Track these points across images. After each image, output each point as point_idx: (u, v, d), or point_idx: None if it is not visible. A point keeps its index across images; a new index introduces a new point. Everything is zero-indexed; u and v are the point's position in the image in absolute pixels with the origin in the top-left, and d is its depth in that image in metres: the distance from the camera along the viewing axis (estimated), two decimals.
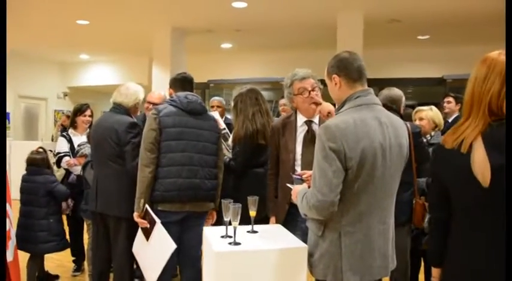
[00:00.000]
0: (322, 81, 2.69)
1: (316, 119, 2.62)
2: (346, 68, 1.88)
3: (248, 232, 2.10)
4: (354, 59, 1.90)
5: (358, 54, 1.99)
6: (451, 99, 4.87)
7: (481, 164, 1.48)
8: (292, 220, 2.58)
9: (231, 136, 3.31)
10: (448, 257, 1.62)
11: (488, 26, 6.07)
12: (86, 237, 3.87)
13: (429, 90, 7.43)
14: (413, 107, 5.22)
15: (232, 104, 3.30)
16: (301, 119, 2.65)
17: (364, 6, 5.64)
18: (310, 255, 1.90)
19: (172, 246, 2.52)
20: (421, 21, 6.09)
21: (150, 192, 2.65)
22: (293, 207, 2.56)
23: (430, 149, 3.22)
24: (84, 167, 3.45)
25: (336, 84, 1.90)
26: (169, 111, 2.73)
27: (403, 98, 3.10)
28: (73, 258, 4.14)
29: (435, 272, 1.71)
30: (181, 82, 2.93)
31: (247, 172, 3.10)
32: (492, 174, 1.46)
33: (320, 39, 6.85)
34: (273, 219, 2.72)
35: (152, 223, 2.60)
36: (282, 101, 5.44)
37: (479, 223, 1.54)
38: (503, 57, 1.50)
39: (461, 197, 1.58)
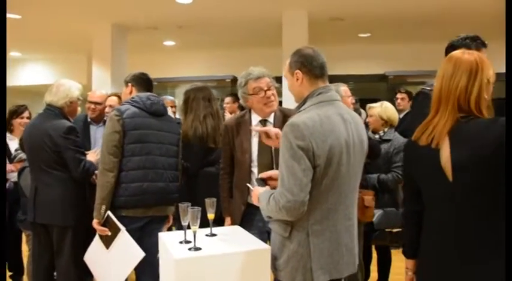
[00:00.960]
0: (276, 79, 2.67)
1: (271, 119, 2.58)
2: (310, 64, 1.85)
3: (207, 235, 2.02)
4: (317, 55, 1.88)
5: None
6: (404, 95, 4.92)
7: (448, 159, 1.54)
8: (248, 220, 2.53)
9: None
10: (420, 249, 1.69)
11: (426, 25, 6.36)
12: (24, 249, 3.61)
13: (372, 86, 7.67)
14: (356, 101, 5.34)
15: (182, 99, 3.21)
16: (255, 118, 2.60)
17: (308, 5, 5.70)
18: (276, 258, 1.84)
19: (140, 254, 2.42)
20: (362, 20, 6.25)
21: (111, 197, 2.51)
22: (249, 206, 2.53)
23: (383, 146, 3.32)
24: (19, 173, 3.21)
25: (297, 79, 1.87)
26: (133, 113, 2.60)
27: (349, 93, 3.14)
28: (10, 273, 3.82)
29: (409, 263, 1.77)
30: (146, 82, 2.80)
31: (198, 172, 3.03)
32: (453, 169, 1.53)
33: (266, 37, 6.85)
34: (228, 220, 2.66)
35: (114, 231, 2.47)
36: (227, 100, 5.39)
37: (446, 216, 1.59)
38: (467, 56, 1.60)
39: (431, 191, 1.64)
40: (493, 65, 1.62)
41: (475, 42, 2.44)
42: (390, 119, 3.43)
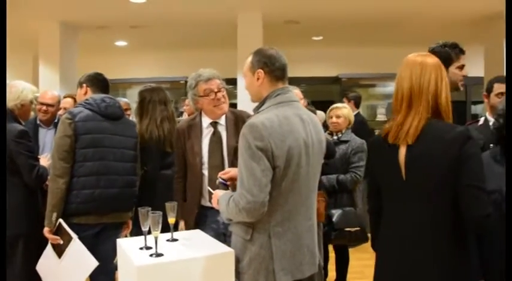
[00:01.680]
0: (227, 81, 2.65)
1: (222, 121, 2.56)
2: (273, 65, 1.85)
3: (168, 240, 1.97)
4: (280, 56, 1.89)
5: None
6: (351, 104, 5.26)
7: (404, 158, 1.60)
8: (202, 222, 2.51)
9: None
10: (378, 244, 1.77)
11: (377, 29, 6.55)
12: None
13: (325, 89, 7.80)
14: (309, 104, 5.43)
15: (136, 100, 3.14)
16: (206, 120, 2.58)
17: (263, 7, 5.72)
18: (237, 261, 1.82)
19: (93, 263, 2.32)
20: (316, 23, 6.35)
21: (63, 205, 2.40)
22: (202, 209, 2.52)
23: (341, 147, 3.38)
24: None
25: (258, 79, 1.87)
26: (86, 116, 2.49)
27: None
28: None
29: None
30: (102, 83, 2.69)
31: (157, 175, 2.98)
32: (406, 168, 1.60)
33: (220, 39, 6.82)
34: (182, 223, 2.62)
35: (67, 239, 2.36)
36: (187, 102, 5.31)
37: (396, 214, 1.65)
38: (429, 58, 1.68)
39: (387, 188, 1.69)
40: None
41: (454, 50, 2.55)
42: (351, 120, 3.54)
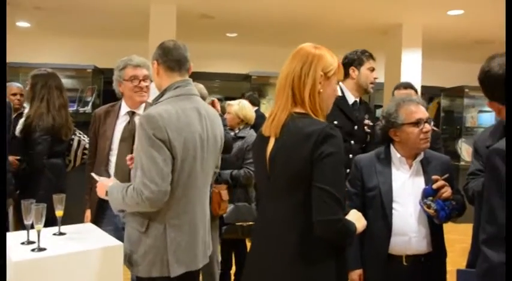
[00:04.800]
0: None
1: (140, 111, 2.55)
2: (166, 56, 1.89)
3: (55, 234, 1.91)
4: (177, 48, 1.91)
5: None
6: None
7: (270, 152, 1.55)
8: (102, 215, 2.48)
9: (22, 122, 3.00)
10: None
11: (289, 30, 6.77)
12: None
13: (236, 85, 7.90)
14: (220, 100, 5.50)
15: (28, 84, 2.99)
16: (125, 109, 2.57)
17: (178, 0, 5.66)
18: (132, 253, 1.83)
19: None
20: (231, 19, 6.41)
21: None
22: (105, 200, 2.46)
23: (237, 143, 3.46)
24: None
25: (155, 70, 1.91)
26: None
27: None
28: None
29: None
30: None
31: (41, 163, 2.88)
32: (269, 163, 1.54)
33: (132, 29, 6.61)
34: (88, 212, 2.57)
35: None
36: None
37: (262, 209, 1.65)
38: (309, 47, 1.56)
39: (259, 182, 1.70)
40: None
41: (364, 55, 2.82)
42: (246, 117, 3.58)
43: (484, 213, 1.28)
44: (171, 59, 1.89)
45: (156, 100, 1.90)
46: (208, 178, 1.97)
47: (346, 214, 1.56)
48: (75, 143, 3.11)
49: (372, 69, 2.82)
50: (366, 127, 2.87)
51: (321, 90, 1.51)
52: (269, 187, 1.56)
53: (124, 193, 1.75)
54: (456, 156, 7.32)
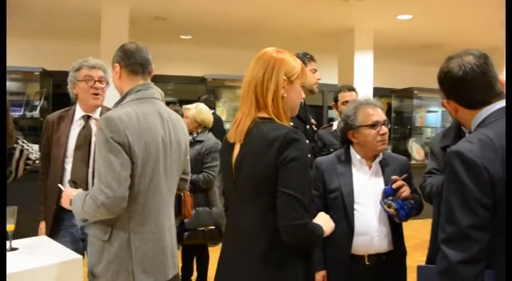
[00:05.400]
0: None
1: (96, 115, 2.47)
2: (129, 60, 1.84)
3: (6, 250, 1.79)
4: (139, 51, 1.87)
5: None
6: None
7: (235, 158, 1.54)
8: (60, 226, 2.37)
9: None
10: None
11: (243, 33, 6.79)
12: None
13: (191, 88, 7.82)
14: (174, 103, 5.42)
15: None
16: (79, 113, 2.48)
17: (129, 0, 5.53)
18: (95, 264, 1.74)
19: None
20: (185, 21, 6.35)
21: None
22: (61, 210, 2.33)
23: (195, 147, 3.42)
24: None
25: (117, 73, 1.86)
26: None
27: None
28: None
29: None
30: None
31: None
32: (235, 169, 1.53)
33: (83, 30, 6.39)
34: (42, 224, 2.45)
35: None
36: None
37: (230, 215, 1.63)
38: (271, 52, 1.54)
39: (226, 188, 1.66)
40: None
41: (306, 57, 2.91)
42: (204, 121, 3.55)
43: (444, 213, 1.32)
44: (134, 62, 1.85)
45: (117, 104, 1.85)
46: (173, 183, 1.92)
47: (314, 216, 1.57)
48: (17, 153, 2.91)
49: (314, 71, 2.94)
50: (313, 126, 3.02)
51: (285, 94, 1.51)
52: (236, 194, 1.55)
53: (83, 200, 1.69)
54: (407, 155, 7.59)
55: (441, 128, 8.40)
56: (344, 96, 3.38)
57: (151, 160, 1.74)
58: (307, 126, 2.89)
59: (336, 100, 3.47)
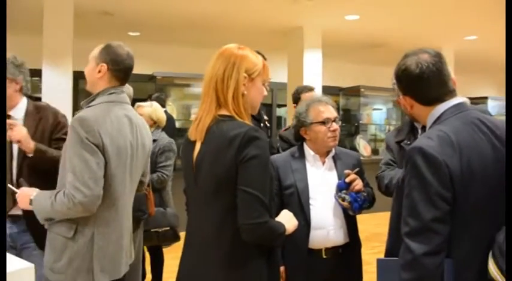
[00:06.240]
0: (31, 72, 2.37)
1: (17, 114, 2.26)
2: (118, 66, 1.85)
3: None
4: (129, 59, 1.90)
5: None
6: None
7: (196, 156, 1.53)
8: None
9: None
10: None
11: (193, 30, 6.72)
12: None
13: (141, 86, 7.63)
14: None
15: None
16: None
17: None
18: (55, 261, 1.74)
19: None
20: (132, 18, 6.20)
21: None
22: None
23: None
24: None
25: (99, 72, 1.84)
26: None
27: None
28: None
29: None
30: None
31: None
32: (195, 166, 1.52)
33: (24, 24, 6.07)
34: None
35: None
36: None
37: (192, 215, 1.61)
38: (232, 49, 1.54)
39: (187, 186, 1.63)
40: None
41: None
42: (159, 119, 3.48)
43: (406, 207, 1.37)
44: (122, 69, 1.87)
45: (88, 103, 1.85)
46: (135, 187, 1.97)
47: (277, 214, 1.58)
48: None
49: None
50: (266, 123, 3.08)
51: (245, 92, 1.51)
52: (197, 192, 1.53)
53: (53, 199, 1.69)
54: (355, 151, 7.82)
55: (385, 125, 8.75)
56: (306, 97, 3.39)
57: (122, 162, 1.78)
58: (261, 125, 2.94)
59: (296, 101, 3.50)
